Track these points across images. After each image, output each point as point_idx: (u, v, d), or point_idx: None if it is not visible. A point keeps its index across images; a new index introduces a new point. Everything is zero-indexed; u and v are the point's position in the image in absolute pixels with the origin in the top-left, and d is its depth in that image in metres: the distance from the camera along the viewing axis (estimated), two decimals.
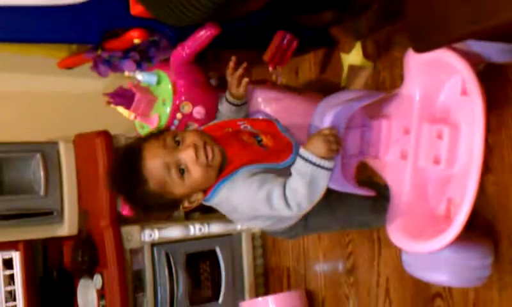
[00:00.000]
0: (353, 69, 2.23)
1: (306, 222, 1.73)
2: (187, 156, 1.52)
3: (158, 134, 1.59)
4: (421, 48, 1.31)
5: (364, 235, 2.29)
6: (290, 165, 1.57)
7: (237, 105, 1.84)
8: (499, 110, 1.82)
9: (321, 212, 1.70)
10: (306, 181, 1.50)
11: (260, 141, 1.66)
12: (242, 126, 1.71)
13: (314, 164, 1.50)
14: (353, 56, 2.24)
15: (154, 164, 1.52)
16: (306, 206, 1.53)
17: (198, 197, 1.58)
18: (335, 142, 1.53)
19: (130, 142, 1.64)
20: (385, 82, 2.16)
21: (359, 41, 2.23)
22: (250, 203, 1.55)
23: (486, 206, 1.86)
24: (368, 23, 2.20)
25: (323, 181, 1.52)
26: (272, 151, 1.63)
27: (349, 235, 2.37)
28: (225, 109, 1.85)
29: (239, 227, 2.68)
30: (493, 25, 1.11)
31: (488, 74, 1.79)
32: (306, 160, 1.51)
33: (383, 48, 2.18)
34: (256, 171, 1.56)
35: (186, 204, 1.59)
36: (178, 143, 1.54)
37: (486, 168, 1.85)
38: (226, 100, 1.84)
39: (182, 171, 1.52)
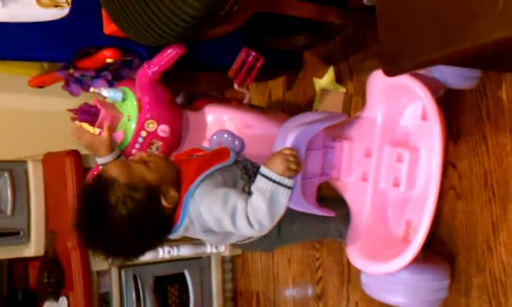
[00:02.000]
0: (325, 93, 2.25)
1: (280, 231, 1.73)
2: (138, 156, 1.61)
3: None
4: (392, 71, 1.32)
5: (334, 260, 2.29)
6: (236, 161, 1.65)
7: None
8: (468, 138, 1.84)
9: (294, 219, 1.71)
10: (266, 198, 1.51)
11: (197, 156, 1.70)
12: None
13: (274, 181, 1.53)
14: (326, 80, 2.26)
15: (116, 163, 1.59)
16: (267, 225, 1.53)
17: (173, 194, 1.55)
18: (294, 162, 1.56)
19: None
20: (357, 107, 2.18)
21: (331, 65, 2.25)
22: (215, 218, 1.55)
23: (454, 233, 1.88)
24: (341, 48, 2.22)
25: (283, 199, 1.54)
26: (214, 155, 1.67)
27: (318, 259, 2.36)
28: None
29: (208, 250, 2.66)
30: (463, 49, 1.13)
31: (457, 102, 1.82)
32: (266, 177, 1.54)
33: (355, 73, 2.19)
34: (216, 180, 1.58)
35: (164, 202, 1.54)
36: None
37: (456, 195, 1.87)
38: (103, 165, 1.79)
39: (144, 163, 1.57)
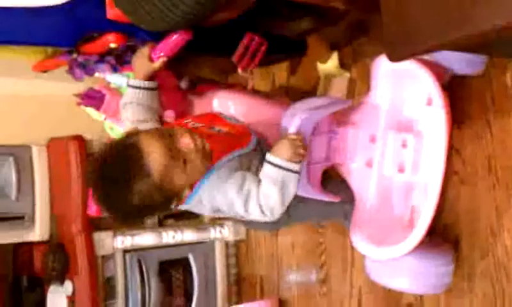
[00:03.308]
0: (329, 78, 2.24)
1: (289, 212, 1.72)
2: (185, 145, 1.49)
3: (148, 130, 1.54)
4: (396, 57, 1.32)
5: (338, 245, 2.29)
6: (256, 146, 1.63)
7: (147, 89, 1.72)
8: (472, 123, 1.84)
9: (300, 200, 1.70)
10: (277, 186, 1.52)
11: (219, 131, 1.66)
12: (190, 125, 1.67)
13: (283, 167, 1.53)
14: (330, 65, 2.25)
15: (160, 155, 1.44)
16: (279, 211, 1.55)
17: (185, 194, 1.54)
18: (301, 147, 1.56)
19: (114, 142, 1.54)
20: (361, 92, 2.17)
21: (335, 50, 2.24)
22: (229, 202, 1.55)
23: (458, 218, 1.88)
24: (345, 33, 2.21)
25: (293, 184, 1.54)
26: (236, 136, 1.65)
27: (322, 244, 2.37)
28: (131, 98, 1.72)
29: (212, 235, 2.67)
30: (464, 35, 1.13)
31: (461, 87, 1.81)
32: (275, 164, 1.53)
33: (359, 58, 2.19)
34: (234, 164, 1.56)
35: (175, 202, 1.53)
36: (170, 135, 1.50)
37: (460, 180, 1.87)
38: (131, 86, 1.73)
39: (184, 161, 1.48)
